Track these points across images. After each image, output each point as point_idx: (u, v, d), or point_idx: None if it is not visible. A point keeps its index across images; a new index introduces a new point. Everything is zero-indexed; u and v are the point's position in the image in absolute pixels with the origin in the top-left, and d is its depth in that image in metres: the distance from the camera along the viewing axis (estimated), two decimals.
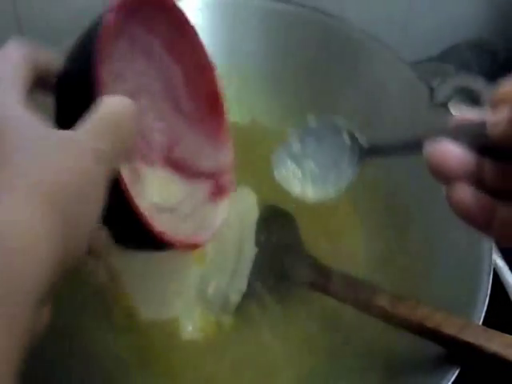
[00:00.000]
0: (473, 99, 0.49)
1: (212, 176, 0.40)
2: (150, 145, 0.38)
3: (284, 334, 0.45)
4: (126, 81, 0.36)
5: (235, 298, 0.45)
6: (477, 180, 0.25)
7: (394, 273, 0.45)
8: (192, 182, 0.39)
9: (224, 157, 0.39)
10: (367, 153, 0.34)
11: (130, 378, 0.43)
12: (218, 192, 0.39)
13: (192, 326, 0.45)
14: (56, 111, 0.30)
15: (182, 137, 0.39)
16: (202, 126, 0.40)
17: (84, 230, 0.25)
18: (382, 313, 0.38)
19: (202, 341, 0.45)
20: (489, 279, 0.39)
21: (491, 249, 0.40)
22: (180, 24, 0.37)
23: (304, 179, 0.37)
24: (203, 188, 0.39)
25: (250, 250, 0.47)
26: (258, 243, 0.47)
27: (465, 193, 0.25)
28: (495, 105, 0.24)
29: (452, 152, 0.25)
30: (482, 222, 0.25)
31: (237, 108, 0.54)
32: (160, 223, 0.32)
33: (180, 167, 0.39)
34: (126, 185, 0.29)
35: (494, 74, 0.60)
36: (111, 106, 0.27)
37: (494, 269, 0.42)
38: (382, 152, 0.34)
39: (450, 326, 0.36)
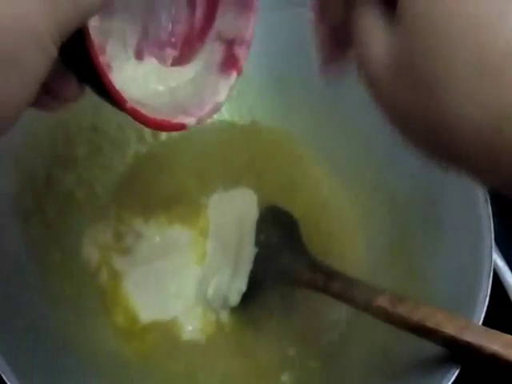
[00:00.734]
0: None
1: (229, 42, 0.37)
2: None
3: (284, 334, 0.45)
4: None
5: (235, 298, 0.46)
6: None
7: (394, 273, 0.45)
8: (207, 44, 0.37)
9: (245, 26, 0.36)
10: None
11: (131, 378, 0.43)
12: (230, 62, 0.36)
13: (192, 326, 0.45)
14: None
15: None
16: None
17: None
18: (381, 313, 0.38)
19: (202, 341, 0.45)
20: (489, 279, 0.39)
21: (491, 249, 0.40)
22: None
23: None
24: (217, 52, 0.37)
25: (250, 250, 0.47)
26: (257, 243, 0.48)
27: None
28: None
29: None
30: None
31: (237, 108, 0.54)
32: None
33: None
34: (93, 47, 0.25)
35: None
36: None
37: (494, 269, 0.42)
38: None
39: (450, 326, 0.36)
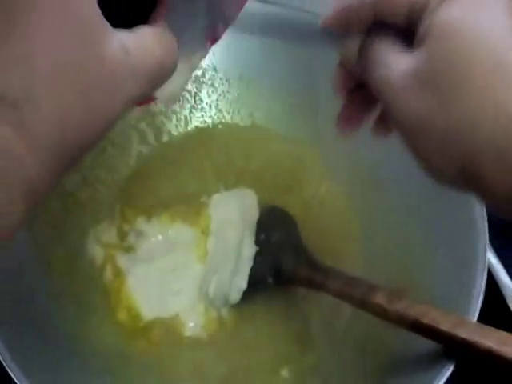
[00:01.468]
0: None
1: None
2: None
3: (284, 331, 0.45)
4: None
5: (236, 295, 0.46)
6: None
7: (391, 271, 0.45)
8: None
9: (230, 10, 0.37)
10: None
11: (133, 374, 0.43)
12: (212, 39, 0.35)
13: (194, 323, 0.46)
14: None
15: None
16: None
17: None
18: (378, 310, 0.38)
19: (204, 337, 0.45)
20: (483, 277, 0.39)
21: (485, 247, 0.40)
22: None
23: None
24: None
25: (250, 250, 0.48)
26: (258, 243, 0.48)
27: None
28: None
29: None
30: None
31: (237, 110, 0.55)
32: None
33: None
34: None
35: None
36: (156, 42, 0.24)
37: (488, 267, 0.42)
38: None
39: (445, 323, 0.36)
